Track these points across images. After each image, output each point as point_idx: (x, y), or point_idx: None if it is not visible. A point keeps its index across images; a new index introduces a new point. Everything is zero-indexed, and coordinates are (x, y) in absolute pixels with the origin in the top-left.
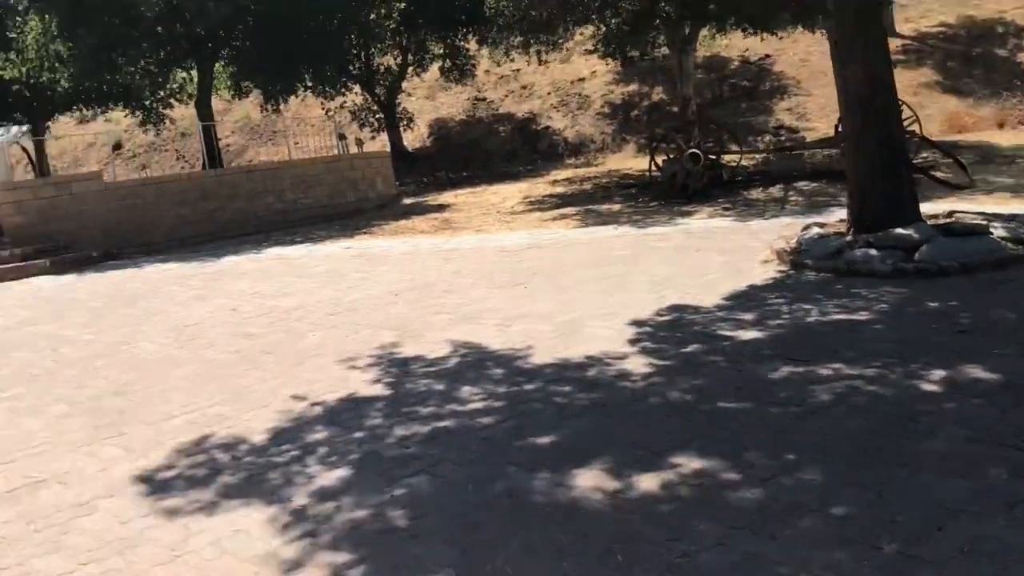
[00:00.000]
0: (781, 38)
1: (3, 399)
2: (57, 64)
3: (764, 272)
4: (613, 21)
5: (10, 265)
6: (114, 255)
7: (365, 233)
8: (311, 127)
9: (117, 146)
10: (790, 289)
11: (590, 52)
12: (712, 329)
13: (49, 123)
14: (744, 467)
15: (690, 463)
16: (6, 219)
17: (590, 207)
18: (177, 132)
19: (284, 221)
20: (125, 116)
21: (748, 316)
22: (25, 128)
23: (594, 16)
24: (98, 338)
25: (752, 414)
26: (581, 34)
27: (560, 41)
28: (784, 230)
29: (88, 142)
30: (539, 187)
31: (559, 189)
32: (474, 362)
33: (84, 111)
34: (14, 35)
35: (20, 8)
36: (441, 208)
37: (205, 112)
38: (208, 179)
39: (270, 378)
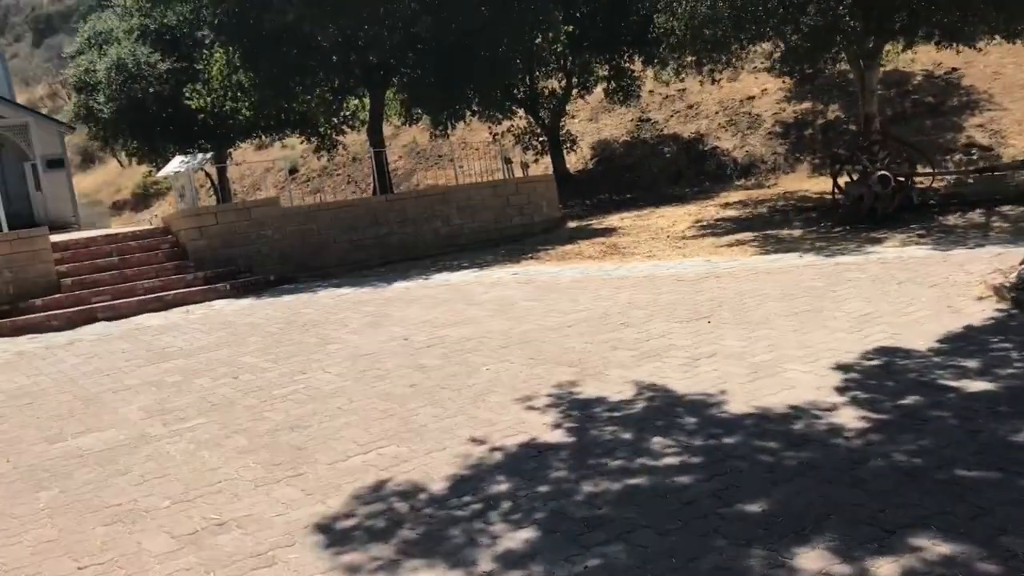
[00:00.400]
0: (979, 50)
1: (185, 430)
2: (239, 94)
3: (981, 310)
4: (793, 38)
5: (194, 288)
6: (289, 279)
7: (531, 259)
8: (475, 151)
9: (293, 170)
10: (1017, 332)
11: (761, 69)
12: (931, 377)
13: (231, 149)
14: (1004, 556)
15: (933, 546)
16: (191, 243)
17: (768, 232)
18: (348, 157)
19: (451, 245)
20: (301, 142)
21: (971, 363)
22: (209, 155)
23: (771, 32)
24: (275, 366)
25: (1000, 486)
26: (753, 51)
27: (735, 60)
28: (996, 261)
29: (266, 167)
30: (709, 210)
31: (732, 212)
32: (662, 407)
33: (263, 138)
34: (201, 67)
35: (207, 42)
36: (607, 232)
37: (376, 138)
38: (379, 204)
39: (445, 416)
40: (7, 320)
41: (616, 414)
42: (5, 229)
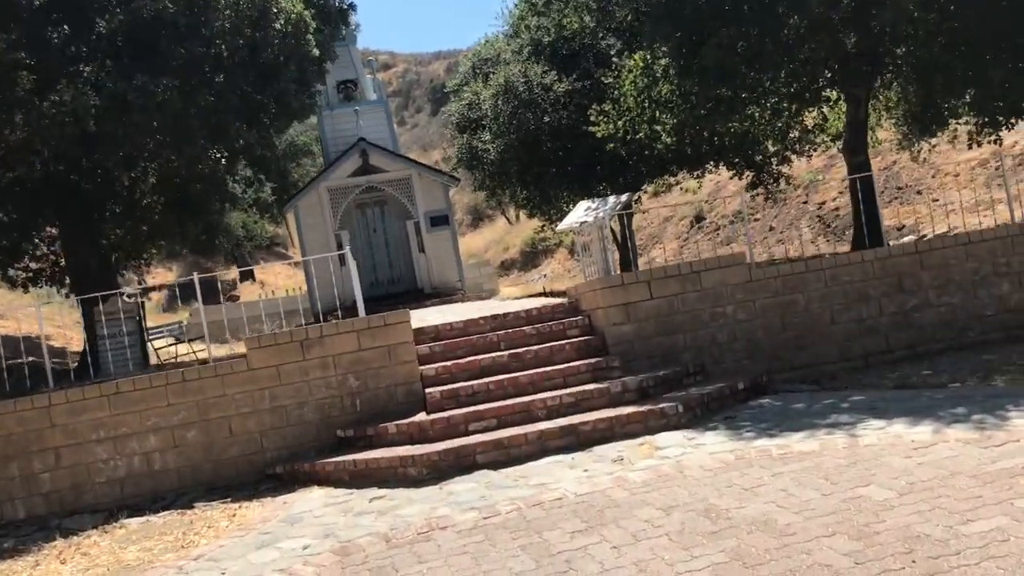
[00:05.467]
0: None
1: None
2: (658, 113)
3: None
4: None
5: (624, 410)
6: (766, 386)
7: None
8: (953, 178)
9: (698, 218)
10: None
11: None
12: None
13: (638, 194)
14: None
15: None
16: (611, 328)
17: None
18: (769, 200)
19: (1021, 324)
20: (731, 176)
21: None
22: (624, 198)
23: None
24: None
25: None
26: None
27: None
28: None
29: (664, 216)
30: None
31: None
32: None
33: (677, 175)
34: (609, 81)
35: (612, 52)
36: None
37: (859, 160)
38: (898, 260)
39: None
40: (348, 458)
41: None
42: (362, 314)
